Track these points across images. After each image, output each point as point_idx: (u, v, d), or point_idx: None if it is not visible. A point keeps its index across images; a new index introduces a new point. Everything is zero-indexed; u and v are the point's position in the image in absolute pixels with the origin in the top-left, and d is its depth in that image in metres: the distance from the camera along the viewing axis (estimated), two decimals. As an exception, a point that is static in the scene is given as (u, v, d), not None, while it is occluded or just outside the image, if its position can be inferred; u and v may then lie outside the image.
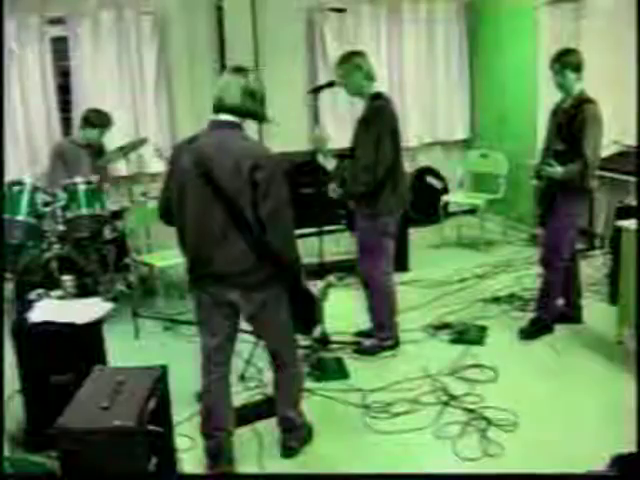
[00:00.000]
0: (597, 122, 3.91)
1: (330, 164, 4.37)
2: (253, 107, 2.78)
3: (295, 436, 3.18)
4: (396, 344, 4.23)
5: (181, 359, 3.84)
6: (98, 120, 5.13)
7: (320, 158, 5.07)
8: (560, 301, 4.38)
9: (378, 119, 3.87)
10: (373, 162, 3.81)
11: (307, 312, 3.00)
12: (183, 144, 2.85)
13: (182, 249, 2.92)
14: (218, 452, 2.99)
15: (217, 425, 2.98)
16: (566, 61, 3.95)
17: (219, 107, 2.76)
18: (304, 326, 3.07)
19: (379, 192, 3.89)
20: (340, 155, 4.14)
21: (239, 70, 2.81)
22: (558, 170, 3.91)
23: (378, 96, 3.97)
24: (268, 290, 2.83)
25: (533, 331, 4.30)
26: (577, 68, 3.96)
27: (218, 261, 2.75)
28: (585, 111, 3.89)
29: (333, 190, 4.17)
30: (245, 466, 3.09)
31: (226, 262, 2.75)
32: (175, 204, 2.82)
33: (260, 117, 2.85)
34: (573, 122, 3.92)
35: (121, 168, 5.76)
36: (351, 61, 3.94)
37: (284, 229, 2.76)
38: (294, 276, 2.85)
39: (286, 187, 2.77)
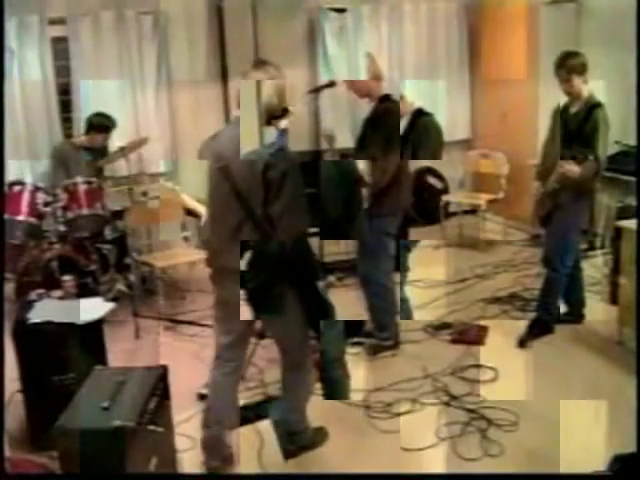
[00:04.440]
0: (607, 126, 3.89)
1: None
2: (268, 102, 2.73)
3: (293, 439, 3.15)
4: (396, 344, 4.23)
5: (181, 359, 3.85)
6: (102, 124, 5.15)
7: (328, 156, 5.07)
8: (561, 301, 4.38)
9: (387, 120, 3.87)
10: (382, 163, 3.81)
11: (317, 314, 2.94)
12: (207, 140, 2.90)
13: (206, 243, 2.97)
14: (213, 446, 2.99)
15: (217, 418, 2.98)
16: (571, 67, 3.90)
17: (237, 103, 2.77)
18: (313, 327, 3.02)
19: (384, 192, 3.89)
20: (343, 155, 4.13)
21: (258, 64, 2.81)
22: (576, 169, 3.84)
23: (387, 97, 3.98)
24: (277, 288, 2.77)
25: (532, 339, 4.25)
26: (582, 71, 3.92)
27: (231, 256, 2.74)
28: (596, 115, 3.87)
29: None
30: (245, 466, 3.09)
31: (238, 257, 2.73)
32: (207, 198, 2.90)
33: (273, 112, 2.76)
34: (584, 127, 3.89)
35: (121, 168, 5.77)
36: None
37: (295, 227, 2.72)
38: (304, 276, 2.80)
39: (301, 185, 2.72)
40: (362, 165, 3.87)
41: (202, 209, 4.78)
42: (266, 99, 2.73)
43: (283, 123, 2.76)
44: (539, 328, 4.29)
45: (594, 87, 4.07)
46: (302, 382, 3.12)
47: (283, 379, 3.11)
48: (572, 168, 3.83)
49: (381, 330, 4.20)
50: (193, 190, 5.27)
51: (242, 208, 2.71)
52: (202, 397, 3.09)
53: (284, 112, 2.79)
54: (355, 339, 4.29)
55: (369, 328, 4.27)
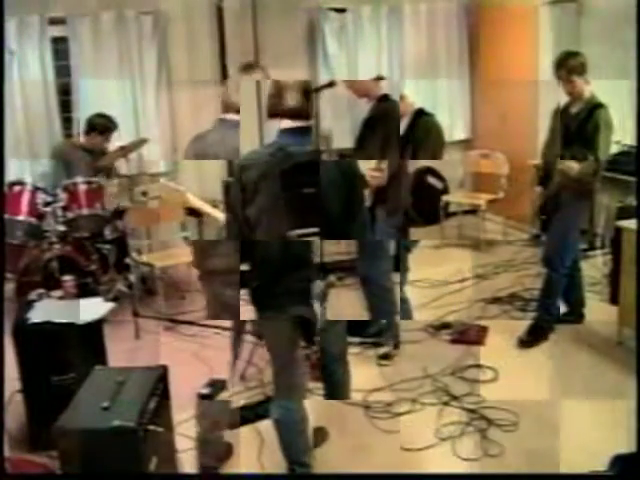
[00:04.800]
0: (609, 127, 3.89)
1: None
2: (267, 101, 2.72)
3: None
4: (396, 344, 4.23)
5: (181, 359, 3.85)
6: (104, 126, 5.16)
7: (325, 156, 5.08)
8: (561, 301, 4.38)
9: (385, 120, 3.87)
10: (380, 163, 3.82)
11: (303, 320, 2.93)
12: (191, 141, 2.96)
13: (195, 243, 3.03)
14: (206, 444, 3.01)
15: (209, 415, 3.03)
16: (571, 67, 3.88)
17: (225, 106, 2.77)
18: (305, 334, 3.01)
19: (384, 192, 3.89)
20: (342, 155, 4.14)
21: (246, 68, 2.81)
22: (574, 167, 3.83)
23: (385, 97, 3.99)
24: (278, 287, 2.75)
25: (532, 339, 4.25)
26: (582, 71, 3.90)
27: (218, 257, 2.76)
28: (597, 116, 3.86)
29: None
30: (245, 466, 3.09)
31: (226, 259, 2.74)
32: None
33: (274, 111, 2.75)
34: (585, 128, 3.88)
35: (121, 168, 5.76)
36: None
37: (273, 231, 2.68)
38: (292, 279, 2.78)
39: (278, 187, 2.63)
40: (366, 165, 3.88)
41: (208, 209, 4.77)
42: (266, 98, 2.72)
43: (289, 122, 2.74)
44: (539, 329, 4.29)
45: (601, 87, 4.06)
46: (293, 385, 3.06)
47: (274, 382, 3.09)
48: (571, 164, 3.82)
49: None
50: (193, 190, 5.28)
51: (226, 210, 2.71)
52: (202, 397, 3.09)
53: (287, 111, 2.78)
54: (359, 339, 4.29)
55: (375, 329, 4.25)
